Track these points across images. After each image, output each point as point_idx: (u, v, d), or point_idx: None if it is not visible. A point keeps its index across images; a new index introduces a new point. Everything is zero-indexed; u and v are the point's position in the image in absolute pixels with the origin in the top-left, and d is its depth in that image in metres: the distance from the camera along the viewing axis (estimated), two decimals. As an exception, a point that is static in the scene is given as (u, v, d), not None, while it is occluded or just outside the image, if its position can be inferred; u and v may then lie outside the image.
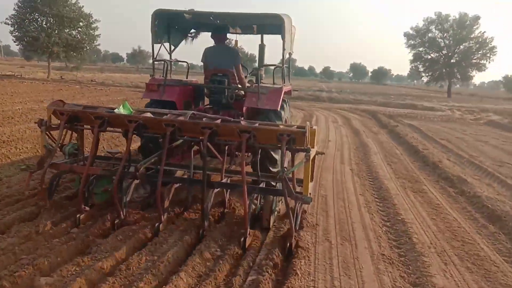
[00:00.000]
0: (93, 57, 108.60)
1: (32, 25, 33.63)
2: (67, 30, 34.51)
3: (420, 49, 49.39)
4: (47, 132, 4.66)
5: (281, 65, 6.03)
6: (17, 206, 4.56)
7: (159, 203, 4.17)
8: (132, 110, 4.62)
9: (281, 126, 4.41)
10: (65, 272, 3.15)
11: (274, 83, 6.72)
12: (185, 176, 5.12)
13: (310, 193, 4.36)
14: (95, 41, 36.21)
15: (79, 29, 35.03)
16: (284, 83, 6.27)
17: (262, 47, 7.25)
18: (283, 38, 5.51)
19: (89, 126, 4.73)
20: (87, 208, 4.34)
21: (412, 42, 49.23)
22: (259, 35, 7.29)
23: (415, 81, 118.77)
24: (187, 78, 6.82)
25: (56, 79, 32.06)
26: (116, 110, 4.54)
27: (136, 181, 4.50)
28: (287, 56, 6.06)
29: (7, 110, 12.38)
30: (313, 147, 4.40)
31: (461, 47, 46.57)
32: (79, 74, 40.60)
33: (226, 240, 4.10)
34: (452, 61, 47.41)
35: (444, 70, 48.25)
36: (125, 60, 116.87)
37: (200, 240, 4.05)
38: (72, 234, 3.94)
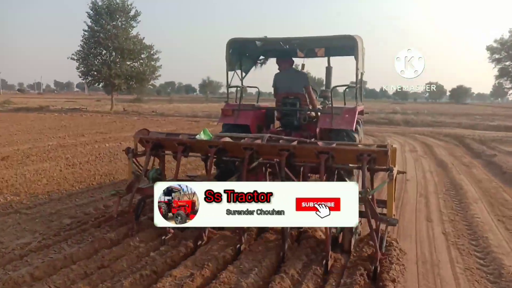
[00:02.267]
0: (168, 89, 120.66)
1: (96, 59, 36.89)
2: (129, 62, 37.41)
3: (507, 63, 47.32)
4: (134, 159, 5.34)
5: (353, 85, 6.38)
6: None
7: None
8: (211, 136, 5.21)
9: (360, 146, 4.72)
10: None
11: (345, 104, 7.06)
12: None
13: (394, 214, 4.56)
14: (156, 72, 38.72)
15: (141, 61, 37.85)
16: (357, 103, 6.59)
17: (329, 69, 7.79)
18: (356, 58, 5.93)
19: (171, 152, 5.36)
20: (172, 231, 4.87)
21: (497, 56, 47.38)
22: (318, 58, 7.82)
23: (499, 99, 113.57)
24: (257, 102, 7.37)
25: (118, 111, 34.69)
26: (197, 137, 5.16)
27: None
28: (359, 76, 6.41)
29: (33, 148, 12.28)
30: (394, 166, 4.62)
31: (557, 57, 44.01)
32: (146, 105, 43.02)
33: (307, 262, 4.39)
34: (546, 74, 44.90)
35: (537, 85, 45.72)
36: (197, 90, 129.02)
37: (282, 262, 4.38)
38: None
